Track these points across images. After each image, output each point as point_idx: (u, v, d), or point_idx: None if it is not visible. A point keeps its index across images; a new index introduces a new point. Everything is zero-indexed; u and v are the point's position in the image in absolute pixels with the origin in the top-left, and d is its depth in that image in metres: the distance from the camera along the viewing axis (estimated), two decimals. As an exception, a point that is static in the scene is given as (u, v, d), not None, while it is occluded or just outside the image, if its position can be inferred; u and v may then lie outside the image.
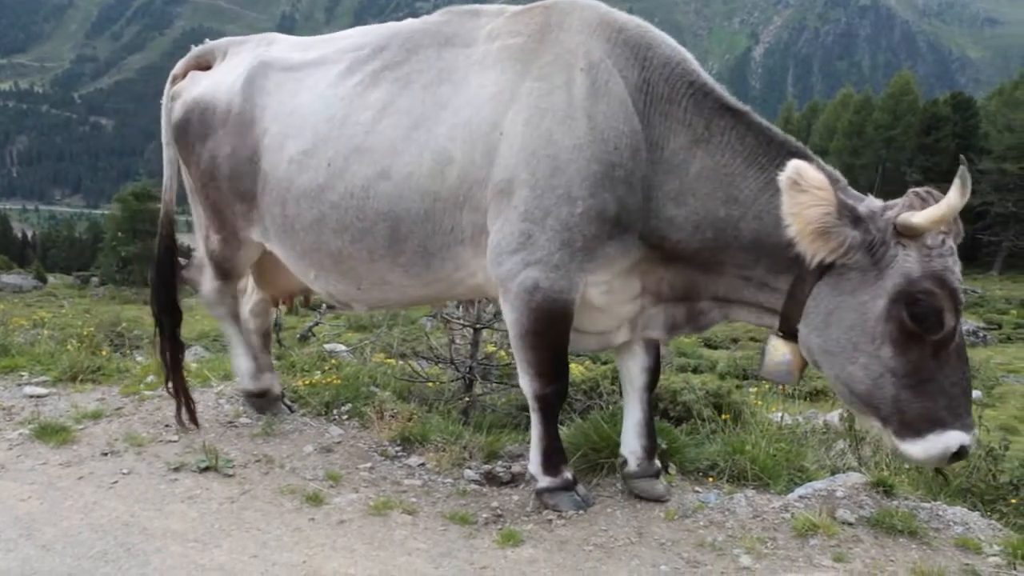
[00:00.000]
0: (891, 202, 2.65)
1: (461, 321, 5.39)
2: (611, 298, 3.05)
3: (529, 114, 2.88)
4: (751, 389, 6.64)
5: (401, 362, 5.55)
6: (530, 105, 2.89)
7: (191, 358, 5.84)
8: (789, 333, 2.83)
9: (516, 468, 3.56)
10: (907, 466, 3.73)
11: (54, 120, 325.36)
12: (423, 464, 3.65)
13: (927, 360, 2.54)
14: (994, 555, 2.89)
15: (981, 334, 22.73)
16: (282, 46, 3.72)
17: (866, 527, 3.06)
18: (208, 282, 3.95)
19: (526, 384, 3.12)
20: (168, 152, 3.85)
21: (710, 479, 3.51)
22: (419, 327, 9.15)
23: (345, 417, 4.13)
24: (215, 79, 3.69)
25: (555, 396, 3.12)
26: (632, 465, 3.30)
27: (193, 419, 3.91)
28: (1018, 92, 49.38)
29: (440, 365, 5.41)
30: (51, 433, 3.79)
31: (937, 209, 2.46)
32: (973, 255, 44.50)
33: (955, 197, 2.44)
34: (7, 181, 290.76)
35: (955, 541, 3.00)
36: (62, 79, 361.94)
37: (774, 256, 2.76)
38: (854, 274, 2.59)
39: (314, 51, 3.56)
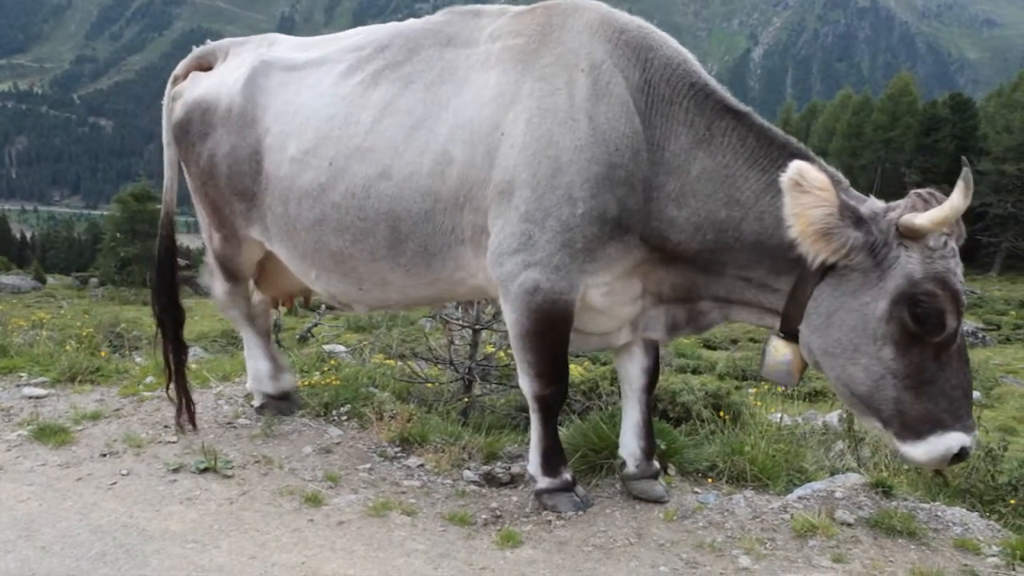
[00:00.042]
0: (893, 203, 2.64)
1: (460, 322, 5.39)
2: (612, 299, 3.05)
3: (530, 115, 2.88)
4: (750, 390, 6.64)
5: (400, 363, 5.54)
6: (531, 106, 2.89)
7: (190, 359, 5.82)
8: (790, 334, 2.83)
9: (515, 469, 3.56)
10: (906, 467, 3.73)
11: (53, 121, 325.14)
12: (422, 465, 3.65)
13: (928, 362, 2.54)
14: (993, 556, 2.89)
15: (980, 335, 22.74)
16: (284, 46, 3.72)
17: (865, 528, 3.06)
18: (218, 285, 3.96)
19: (526, 385, 3.12)
20: (169, 153, 3.85)
21: (709, 480, 3.51)
22: (418, 328, 9.15)
23: (344, 418, 4.13)
24: (216, 79, 3.69)
25: (555, 397, 3.12)
26: (631, 466, 3.30)
27: (192, 422, 3.91)
28: (1017, 93, 49.41)
29: (439, 366, 5.41)
30: (50, 434, 3.79)
31: (940, 211, 2.46)
32: (972, 256, 44.53)
33: (958, 199, 2.43)
34: (6, 182, 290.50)
35: (954, 542, 3.00)
36: (61, 80, 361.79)
37: (775, 257, 2.76)
38: (856, 275, 2.59)
39: (316, 51, 3.56)
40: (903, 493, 3.42)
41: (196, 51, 3.97)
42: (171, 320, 3.93)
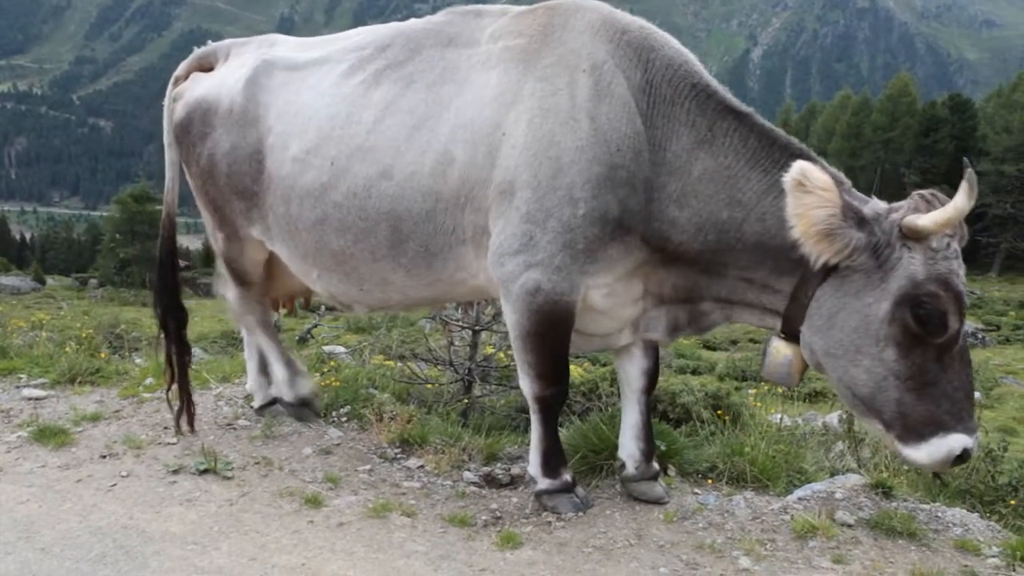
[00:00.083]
0: (896, 204, 2.64)
1: (460, 323, 5.40)
2: (613, 300, 3.04)
3: (532, 115, 2.88)
4: (750, 391, 6.65)
5: (400, 364, 5.54)
6: (533, 106, 2.89)
7: (190, 360, 5.82)
8: (791, 335, 2.83)
9: (515, 470, 3.56)
10: (906, 468, 3.73)
11: (53, 122, 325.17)
12: (422, 466, 3.64)
13: (930, 363, 2.54)
14: (993, 556, 2.89)
15: (979, 335, 22.75)
16: (286, 46, 3.72)
17: (865, 529, 3.06)
18: (231, 293, 3.96)
19: (526, 386, 3.12)
20: (170, 154, 3.85)
21: (709, 481, 3.51)
22: (418, 329, 9.15)
23: (344, 419, 4.13)
24: (217, 79, 3.69)
25: (555, 398, 3.12)
26: (630, 468, 3.30)
27: (191, 423, 3.91)
28: (1016, 94, 49.45)
29: (439, 367, 5.41)
30: (50, 435, 3.79)
31: (944, 212, 2.46)
32: (971, 257, 44.38)
33: (963, 200, 2.43)
34: (5, 183, 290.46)
35: (954, 542, 3.00)
36: (61, 80, 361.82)
37: (777, 258, 2.75)
38: (858, 276, 2.58)
39: (318, 50, 3.56)
40: (903, 494, 3.42)
41: (197, 52, 3.97)
42: (174, 321, 3.92)
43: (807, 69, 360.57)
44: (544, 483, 3.21)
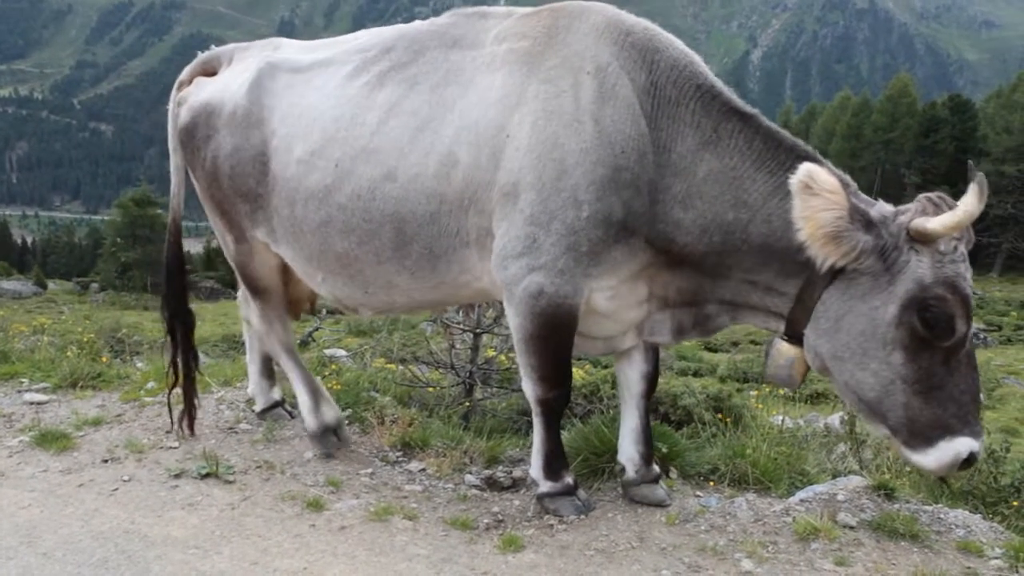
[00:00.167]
0: (903, 207, 2.63)
1: (461, 326, 5.40)
2: (617, 303, 3.03)
3: (536, 117, 2.88)
4: (752, 393, 6.64)
5: (401, 367, 5.55)
6: (537, 108, 2.88)
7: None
8: (795, 337, 2.82)
9: (517, 473, 3.55)
10: (908, 469, 3.73)
11: (54, 126, 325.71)
12: (424, 469, 3.64)
13: (937, 366, 2.53)
14: (996, 558, 2.89)
15: (981, 336, 22.73)
16: (289, 49, 3.72)
17: (868, 530, 3.05)
18: (252, 310, 3.91)
19: (529, 389, 3.11)
20: (175, 159, 3.84)
21: (711, 483, 3.51)
22: (419, 332, 9.15)
23: (345, 422, 4.13)
24: (221, 83, 3.68)
25: (558, 401, 3.11)
26: (630, 472, 3.29)
27: (191, 427, 3.91)
28: (1016, 94, 49.45)
29: (440, 370, 5.40)
30: (51, 440, 3.79)
31: (954, 215, 2.45)
32: (972, 257, 43.73)
33: (973, 203, 2.42)
34: (7, 187, 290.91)
35: (957, 544, 3.00)
36: (62, 85, 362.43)
37: (783, 260, 2.75)
38: (865, 279, 2.57)
39: (322, 53, 3.55)
40: (905, 495, 3.41)
41: (200, 57, 3.97)
42: (181, 325, 3.92)
43: (807, 70, 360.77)
44: (546, 486, 3.20)
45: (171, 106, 3.87)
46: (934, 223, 2.46)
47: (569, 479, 3.23)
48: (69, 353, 5.56)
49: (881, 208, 2.64)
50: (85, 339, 6.39)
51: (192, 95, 3.74)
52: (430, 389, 5.10)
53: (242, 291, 4.09)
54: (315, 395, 3.78)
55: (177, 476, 3.47)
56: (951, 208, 2.51)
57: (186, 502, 3.24)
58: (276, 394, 4.26)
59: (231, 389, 4.68)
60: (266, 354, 4.13)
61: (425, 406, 4.63)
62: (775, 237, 2.74)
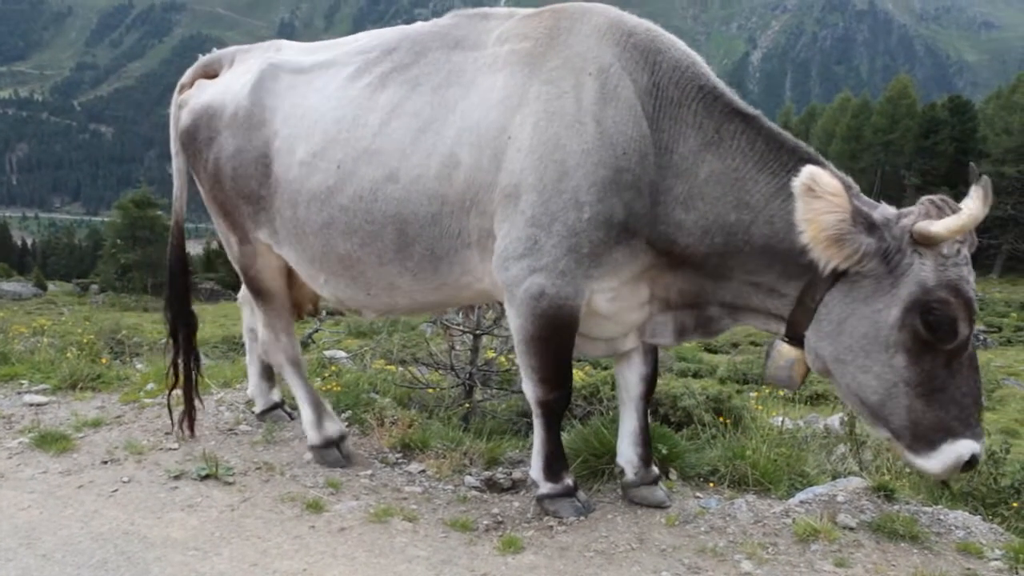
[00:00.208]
0: (905, 210, 2.63)
1: (461, 327, 5.40)
2: (618, 305, 3.03)
3: (537, 118, 2.87)
4: (751, 394, 6.64)
5: (401, 368, 5.55)
6: (538, 109, 2.88)
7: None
8: (795, 339, 2.82)
9: (517, 474, 3.55)
10: (908, 471, 3.73)
11: (54, 128, 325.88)
12: (423, 471, 3.64)
13: (940, 369, 2.53)
14: (996, 559, 2.89)
15: (981, 337, 22.74)
16: (291, 51, 3.72)
17: (867, 532, 3.05)
18: (257, 319, 3.89)
19: (529, 390, 3.11)
20: (177, 161, 3.84)
21: (711, 484, 3.51)
22: (419, 333, 9.15)
23: (345, 424, 4.13)
24: (222, 85, 3.68)
25: (558, 402, 3.11)
26: (629, 474, 3.29)
27: (191, 429, 3.91)
28: (1015, 95, 49.47)
29: (440, 371, 5.40)
30: (51, 441, 3.79)
31: (958, 219, 2.44)
32: (972, 259, 44.38)
33: (978, 207, 2.42)
34: (7, 189, 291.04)
35: (957, 545, 3.00)
36: (62, 87, 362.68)
37: (785, 262, 2.74)
38: (868, 282, 2.57)
39: (324, 54, 3.55)
40: (905, 497, 3.41)
41: (202, 59, 3.97)
42: (184, 327, 3.92)
43: (807, 72, 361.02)
44: (546, 487, 3.20)
45: (173, 109, 3.87)
46: (938, 226, 2.46)
47: (569, 480, 3.23)
48: (69, 354, 5.56)
49: (884, 211, 2.64)
50: (85, 340, 6.39)
51: (193, 97, 3.74)
52: (430, 391, 5.10)
53: (243, 293, 4.09)
54: (318, 409, 3.74)
55: (177, 477, 3.47)
56: (954, 211, 2.50)
57: (186, 503, 3.24)
58: (276, 396, 4.26)
59: (231, 390, 4.69)
60: (266, 355, 4.13)
61: (425, 408, 4.63)
62: (777, 239, 2.74)
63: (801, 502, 3.29)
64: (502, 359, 5.45)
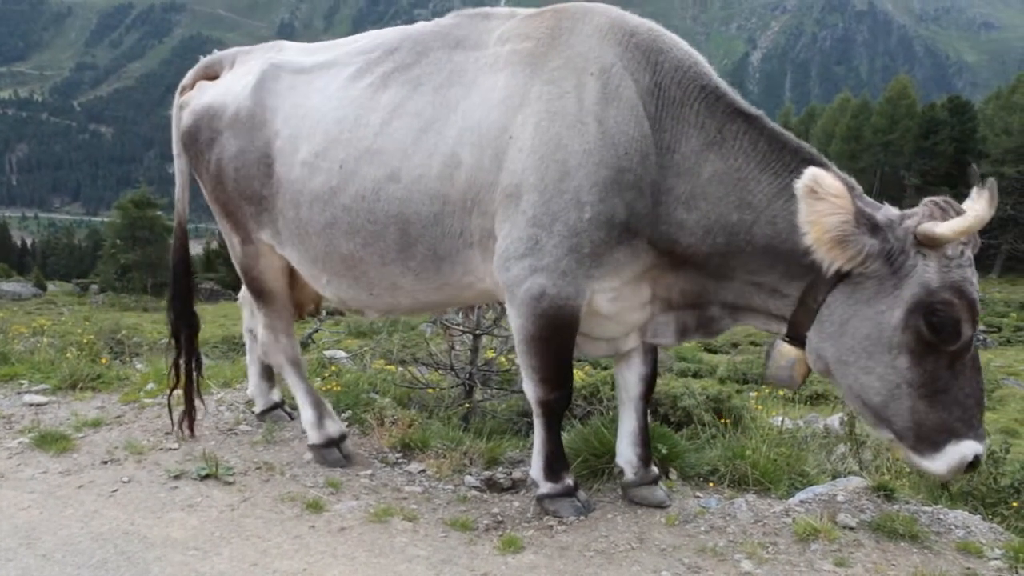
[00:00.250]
0: (909, 211, 2.62)
1: (461, 327, 5.40)
2: (620, 305, 3.03)
3: (539, 118, 2.87)
4: (751, 394, 6.64)
5: (401, 368, 5.55)
6: (540, 109, 2.88)
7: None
8: (796, 339, 2.82)
9: (517, 474, 3.55)
10: (908, 470, 3.73)
11: (54, 128, 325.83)
12: (423, 471, 3.64)
13: (943, 370, 2.53)
14: (996, 559, 2.89)
15: (981, 337, 22.75)
16: (292, 51, 3.72)
17: (867, 531, 3.05)
18: (258, 321, 3.89)
19: (530, 390, 3.11)
20: (179, 163, 3.83)
21: (711, 484, 3.51)
22: (419, 333, 9.15)
23: (345, 424, 4.13)
24: (223, 86, 3.68)
25: (559, 402, 3.11)
26: (629, 474, 3.29)
27: (191, 429, 3.91)
28: (1015, 96, 49.49)
29: (440, 371, 5.40)
30: (51, 441, 3.79)
31: (964, 221, 2.44)
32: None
33: (984, 209, 2.42)
34: (7, 189, 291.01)
35: (956, 545, 3.00)
36: (61, 87, 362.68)
37: (788, 262, 2.74)
38: (871, 283, 2.57)
39: (325, 54, 3.56)
40: (905, 496, 3.41)
41: (203, 61, 3.97)
42: (186, 328, 3.92)
43: (806, 72, 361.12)
44: (546, 487, 3.20)
45: (174, 110, 3.87)
46: (943, 227, 2.45)
47: (569, 480, 3.23)
48: (69, 355, 5.56)
49: (887, 212, 2.63)
50: (85, 340, 6.39)
51: (194, 99, 3.74)
52: (430, 391, 5.10)
53: (244, 294, 4.09)
54: (319, 408, 3.74)
55: (177, 477, 3.47)
56: (958, 213, 2.50)
57: (186, 503, 3.24)
58: (276, 396, 4.26)
59: (231, 390, 4.69)
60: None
61: (425, 407, 4.63)
62: (780, 239, 2.73)
63: (801, 502, 3.29)
64: (502, 359, 5.45)
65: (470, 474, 3.59)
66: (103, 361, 5.46)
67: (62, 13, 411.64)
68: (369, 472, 3.62)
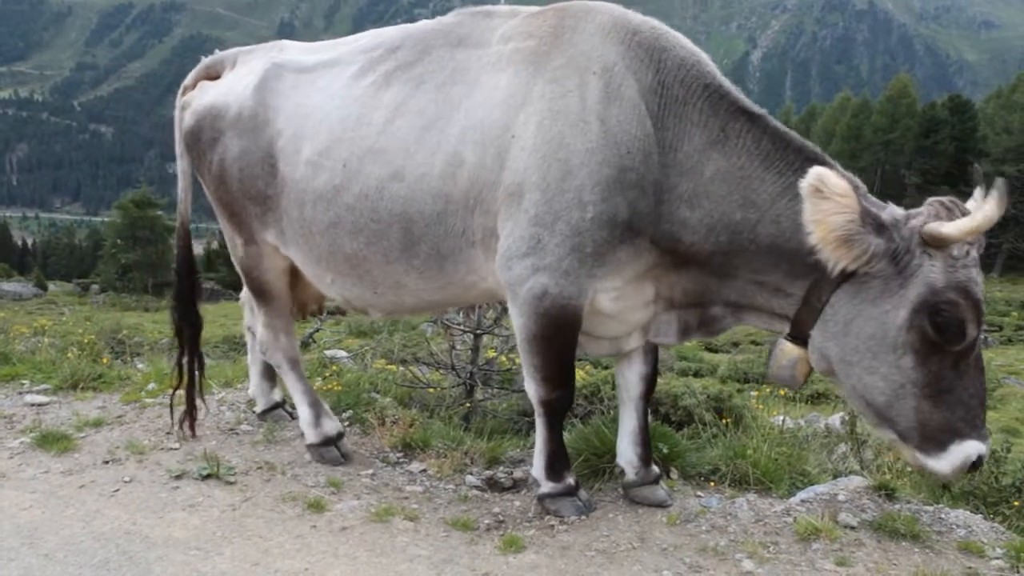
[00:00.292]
0: (914, 211, 2.61)
1: (462, 327, 5.40)
2: (622, 304, 3.02)
3: (541, 117, 2.87)
4: (752, 393, 6.63)
5: (402, 368, 5.55)
6: (542, 108, 2.88)
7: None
8: (799, 338, 2.81)
9: (518, 474, 3.56)
10: (909, 469, 3.72)
11: (54, 128, 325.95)
12: (424, 470, 3.64)
13: (947, 370, 2.52)
14: (997, 558, 2.89)
15: (982, 336, 22.71)
16: (294, 51, 3.72)
17: (868, 531, 3.05)
18: (257, 319, 3.89)
19: (532, 389, 3.11)
20: (182, 163, 3.83)
21: (712, 484, 3.51)
22: (420, 333, 9.15)
23: (346, 423, 4.13)
24: (225, 86, 3.68)
25: (560, 402, 3.11)
26: (630, 474, 3.29)
27: (192, 428, 3.91)
28: (1015, 95, 49.51)
29: (441, 371, 5.40)
30: (52, 441, 3.79)
31: (972, 221, 2.43)
32: (972, 257, 44.41)
33: (993, 210, 2.40)
34: (7, 189, 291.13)
35: (958, 544, 3.00)
36: (62, 87, 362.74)
37: (792, 261, 2.73)
38: (876, 283, 2.56)
39: (327, 53, 3.55)
40: (906, 496, 3.41)
41: (204, 61, 3.96)
42: (189, 328, 3.92)
43: (807, 71, 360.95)
44: (547, 486, 3.20)
45: (176, 111, 3.87)
46: (950, 228, 2.44)
47: (571, 479, 3.23)
48: (70, 354, 5.56)
49: (892, 211, 2.63)
50: (86, 340, 6.39)
51: (196, 99, 3.73)
52: (431, 390, 5.10)
53: (245, 293, 4.09)
54: (316, 408, 3.76)
55: (178, 477, 3.47)
56: (964, 213, 2.50)
57: (187, 503, 3.24)
58: (277, 395, 4.27)
59: (232, 390, 4.69)
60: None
61: (426, 407, 4.63)
62: (784, 238, 2.73)
63: (802, 501, 3.29)
64: (503, 358, 5.45)
65: (471, 473, 3.59)
66: (104, 361, 5.46)
67: (62, 13, 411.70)
68: (370, 472, 3.62)
